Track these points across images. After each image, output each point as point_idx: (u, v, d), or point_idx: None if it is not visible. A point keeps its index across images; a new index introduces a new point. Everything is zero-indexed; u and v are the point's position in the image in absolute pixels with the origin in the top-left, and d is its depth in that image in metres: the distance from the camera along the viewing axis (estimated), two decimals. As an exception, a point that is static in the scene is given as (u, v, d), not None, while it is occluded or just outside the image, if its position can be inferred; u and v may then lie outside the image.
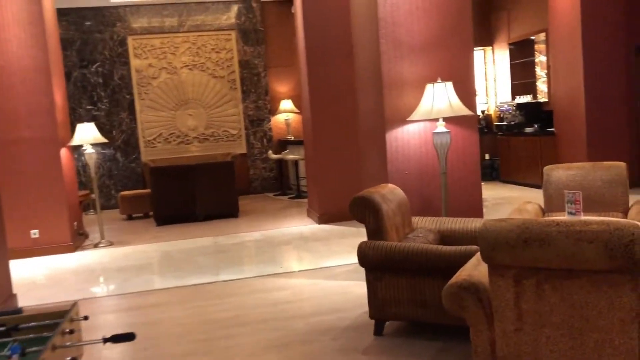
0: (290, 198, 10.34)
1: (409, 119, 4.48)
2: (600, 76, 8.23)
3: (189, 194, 8.53)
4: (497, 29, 11.02)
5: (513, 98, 10.42)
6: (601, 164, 4.23)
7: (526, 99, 10.00)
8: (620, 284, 2.15)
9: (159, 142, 11.03)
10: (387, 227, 3.57)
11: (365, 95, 5.08)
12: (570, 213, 3.26)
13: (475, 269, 2.65)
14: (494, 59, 11.23)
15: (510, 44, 10.53)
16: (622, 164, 4.17)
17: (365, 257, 3.45)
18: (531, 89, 10.02)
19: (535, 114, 9.65)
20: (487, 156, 10.83)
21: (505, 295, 2.37)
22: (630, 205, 4.15)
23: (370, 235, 3.58)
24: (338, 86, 6.85)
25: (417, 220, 4.05)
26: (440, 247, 3.30)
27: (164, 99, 10.99)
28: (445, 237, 3.90)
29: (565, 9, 8.54)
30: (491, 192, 9.31)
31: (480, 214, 4.84)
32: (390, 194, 3.79)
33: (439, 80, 4.33)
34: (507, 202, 8.35)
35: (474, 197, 4.79)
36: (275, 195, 10.93)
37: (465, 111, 4.31)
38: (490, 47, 11.26)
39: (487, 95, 11.40)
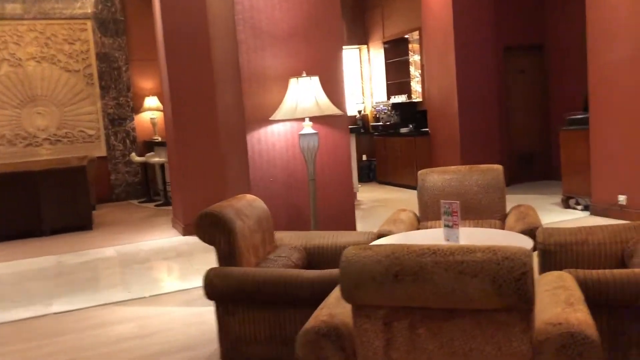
0: (157, 205, 9.43)
1: (271, 118, 3.92)
2: (472, 76, 8.23)
3: (33, 205, 7.38)
4: (371, 27, 10.84)
5: (389, 98, 10.29)
6: (477, 168, 3.95)
7: (401, 98, 9.89)
8: (509, 326, 1.72)
9: (1, 145, 9.60)
10: (242, 248, 2.97)
11: (224, 91, 4.45)
12: (447, 226, 2.86)
13: (339, 305, 2.12)
14: (369, 58, 11.05)
15: (385, 43, 10.38)
16: (499, 167, 3.91)
17: (212, 287, 2.82)
18: (406, 89, 9.93)
19: (411, 114, 9.55)
20: (364, 157, 10.62)
21: (374, 342, 1.86)
22: (507, 211, 3.91)
23: (221, 259, 2.96)
24: (200, 81, 6.12)
25: (281, 237, 3.49)
26: (301, 271, 2.75)
27: (6, 95, 9.57)
28: (313, 256, 3.37)
29: (438, 8, 8.46)
30: (368, 194, 9.06)
31: (353, 225, 4.39)
32: (247, 208, 3.19)
33: (304, 75, 3.81)
34: (382, 205, 8.10)
35: (346, 205, 4.33)
36: (140, 202, 9.94)
37: (334, 110, 3.83)
38: (366, 46, 11.08)
39: (363, 94, 11.21)
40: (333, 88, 4.13)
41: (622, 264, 2.93)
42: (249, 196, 3.34)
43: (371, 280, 1.77)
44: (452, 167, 4.01)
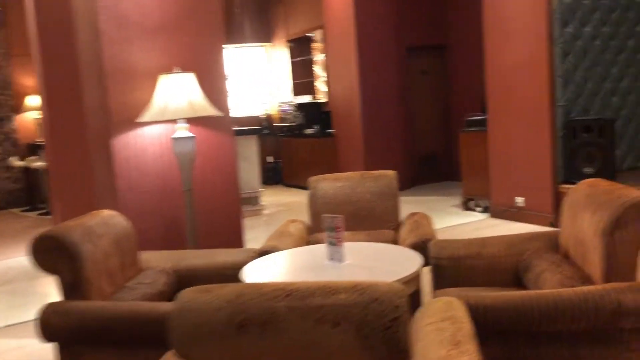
0: (40, 214, 8.57)
1: (138, 119, 3.44)
2: (374, 77, 8.07)
3: None
4: (276, 25, 10.48)
5: (295, 98, 9.96)
6: (370, 174, 3.68)
7: (306, 99, 9.59)
8: (381, 382, 1.40)
9: None
10: (92, 277, 2.49)
11: (89, 88, 3.90)
12: (330, 243, 2.54)
13: None
14: (274, 57, 10.67)
15: (289, 41, 10.04)
16: (392, 173, 3.65)
17: (50, 327, 2.33)
18: (312, 89, 9.65)
19: (316, 114, 9.27)
20: (270, 158, 10.24)
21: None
22: (402, 219, 3.66)
23: (65, 291, 2.47)
24: (72, 78, 5.45)
25: (148, 258, 3.02)
26: (155, 305, 2.32)
27: None
28: (184, 279, 2.94)
29: (339, 7, 8.23)
30: (272, 198, 8.69)
31: (239, 240, 3.99)
32: (102, 226, 2.71)
33: (177, 71, 3.37)
34: (287, 209, 7.76)
35: (232, 218, 3.92)
36: (22, 211, 9.01)
37: (211, 111, 3.40)
38: (271, 44, 10.70)
39: (269, 94, 10.82)
40: (213, 86, 3.71)
41: (518, 278, 2.74)
42: (106, 212, 2.86)
43: (210, 333, 1.39)
44: (344, 173, 3.72)
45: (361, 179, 3.63)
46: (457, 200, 7.03)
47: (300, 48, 9.91)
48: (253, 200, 8.20)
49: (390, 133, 8.25)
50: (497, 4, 5.81)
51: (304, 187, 9.25)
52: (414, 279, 2.41)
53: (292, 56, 10.04)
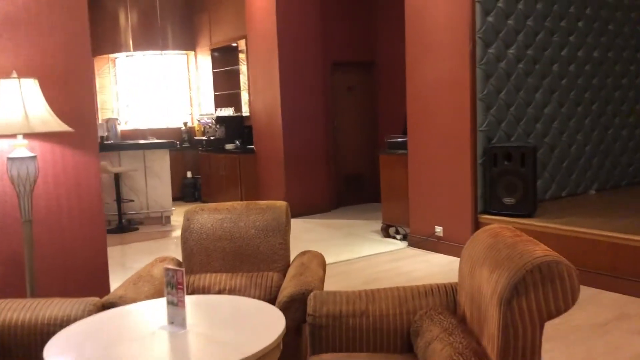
0: None
1: (-39, 135, 2.80)
2: (297, 91, 7.60)
3: None
4: (199, 32, 9.88)
5: (216, 110, 9.37)
6: (257, 205, 3.15)
7: (228, 111, 9.02)
8: None
9: None
10: None
11: None
12: (171, 303, 1.99)
13: None
14: (197, 65, 10.06)
15: (212, 50, 9.46)
16: (282, 205, 3.15)
17: None
18: (235, 101, 9.08)
19: (238, 128, 8.73)
20: (189, 174, 9.59)
21: None
22: (291, 260, 3.16)
23: None
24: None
25: (-45, 309, 2.38)
26: None
27: None
28: (2, 338, 2.32)
29: (262, 17, 7.74)
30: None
31: (104, 285, 3.36)
32: None
33: (14, 76, 2.75)
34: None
35: (94, 257, 3.29)
36: None
37: (56, 126, 2.79)
38: (193, 52, 10.08)
39: (191, 105, 10.19)
40: (74, 96, 3.10)
41: (409, 342, 2.28)
42: None
43: None
44: (227, 203, 3.18)
45: (246, 210, 3.10)
46: (379, 225, 6.62)
47: (225, 58, 9.35)
48: (163, 219, 7.55)
49: (314, 151, 7.80)
50: (419, 16, 5.46)
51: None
52: (273, 350, 1.89)
53: (215, 66, 9.46)
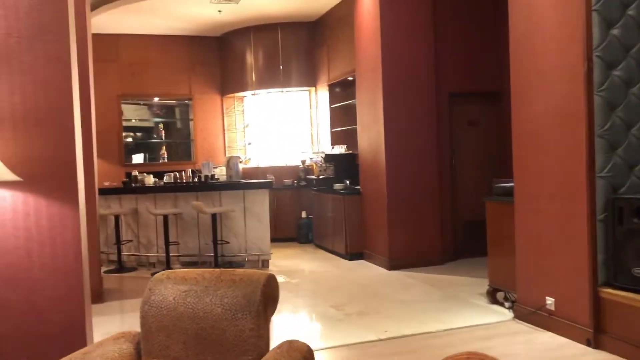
0: None
1: None
2: (405, 126, 6.82)
3: None
4: (319, 68, 9.57)
5: (333, 147, 8.90)
6: (231, 274, 2.49)
7: (340, 149, 8.49)
8: None
9: None
10: None
11: None
12: None
13: None
14: (316, 102, 9.74)
15: (330, 85, 9.06)
16: (261, 277, 2.45)
17: None
18: (351, 138, 8.53)
19: (349, 167, 8.13)
20: (304, 214, 9.19)
21: None
22: (271, 348, 2.43)
23: None
24: None
25: None
26: None
27: None
28: None
29: (367, 44, 7.14)
30: (289, 262, 7.58)
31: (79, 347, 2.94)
32: None
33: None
34: (301, 280, 6.60)
35: (71, 324, 2.87)
36: None
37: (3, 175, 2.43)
38: (314, 88, 9.79)
39: (312, 143, 9.86)
40: (50, 140, 2.77)
41: None
42: None
43: None
44: (197, 271, 2.56)
45: (216, 281, 2.47)
46: (487, 286, 5.51)
47: (342, 92, 8.90)
48: (260, 263, 7.18)
49: (424, 193, 6.90)
50: (526, 35, 4.43)
51: (330, 251, 8.15)
52: None
53: (332, 101, 9.03)
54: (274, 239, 9.15)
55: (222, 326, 2.37)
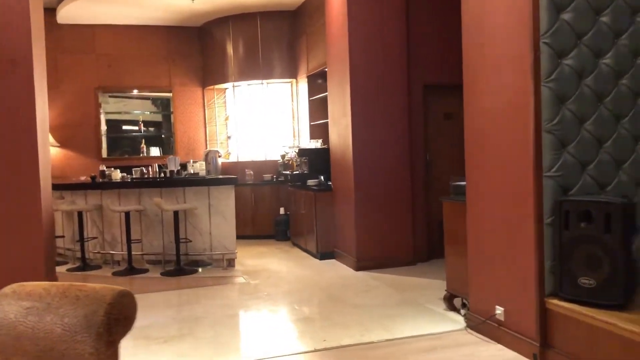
0: None
1: None
2: (374, 119, 6.49)
3: None
4: (299, 58, 9.24)
5: (311, 141, 8.57)
6: (77, 290, 2.19)
7: (316, 143, 8.17)
8: None
9: None
10: None
11: None
12: None
13: None
14: (297, 94, 9.42)
15: (309, 76, 8.73)
16: (107, 294, 2.13)
17: None
18: (327, 132, 8.20)
19: (323, 162, 7.80)
20: (282, 210, 8.90)
21: None
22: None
23: None
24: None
25: None
26: None
27: None
28: None
29: (336, 32, 6.81)
30: (260, 261, 7.29)
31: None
32: None
33: None
34: (268, 280, 6.32)
35: None
36: None
37: None
38: (295, 80, 9.47)
39: (294, 137, 9.56)
40: None
41: None
42: None
43: None
44: (44, 284, 2.27)
45: (60, 298, 2.17)
46: (447, 291, 5.18)
47: (322, 84, 8.57)
48: (224, 263, 6.91)
49: (395, 191, 6.57)
50: (477, 22, 4.07)
51: (304, 249, 7.82)
52: None
53: (311, 94, 8.71)
54: (252, 237, 8.92)
55: (62, 349, 2.09)
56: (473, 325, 4.23)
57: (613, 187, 3.62)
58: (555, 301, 3.46)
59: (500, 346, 3.89)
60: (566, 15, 3.49)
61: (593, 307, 3.24)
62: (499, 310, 3.93)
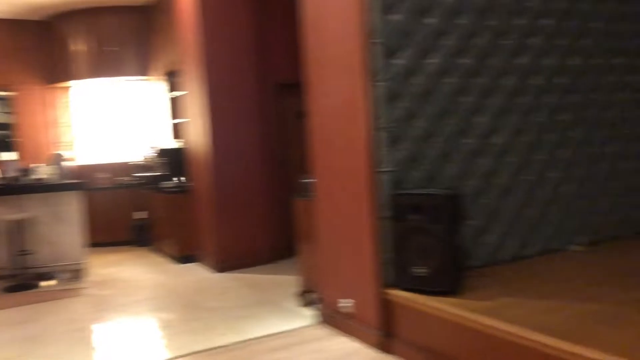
0: None
1: None
2: (229, 119, 6.39)
3: None
4: (155, 55, 8.87)
5: (173, 141, 8.27)
6: None
7: (177, 143, 7.91)
8: None
9: None
10: None
11: None
12: None
13: None
14: (153, 92, 9.04)
15: (167, 74, 8.40)
16: None
17: None
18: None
19: (183, 163, 7.56)
20: (139, 215, 8.48)
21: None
22: None
23: None
24: None
25: None
26: None
27: None
28: None
29: (189, 30, 6.62)
30: (114, 270, 6.88)
31: None
32: None
33: None
34: (118, 292, 5.95)
35: None
36: None
37: None
38: (151, 77, 9.08)
39: (153, 136, 9.15)
40: None
41: None
42: None
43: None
44: None
45: None
46: (303, 288, 5.23)
47: (179, 81, 8.28)
48: (73, 274, 6.45)
49: (252, 190, 6.53)
50: (317, 20, 4.13)
51: (167, 255, 7.49)
52: None
53: (172, 91, 8.40)
54: (108, 244, 8.42)
55: None
56: (325, 319, 4.30)
57: (442, 180, 3.84)
58: (395, 291, 3.60)
59: (347, 339, 3.98)
60: (394, 17, 3.64)
61: (427, 294, 3.41)
62: (348, 303, 4.02)
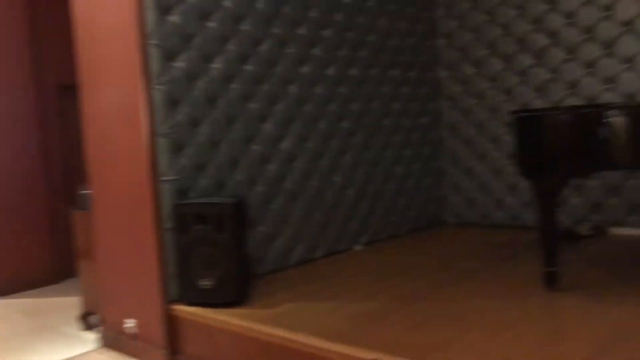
0: None
1: None
2: (2, 126, 5.63)
3: None
4: None
5: None
6: None
7: None
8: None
9: None
10: None
11: None
12: None
13: None
14: None
15: None
16: None
17: None
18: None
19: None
20: None
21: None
22: None
23: None
24: None
25: None
26: None
27: None
28: None
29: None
30: None
31: None
32: None
33: None
34: None
35: None
36: None
37: None
38: None
39: None
40: None
41: None
42: None
43: None
44: None
45: None
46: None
47: None
48: None
49: (32, 203, 5.82)
50: (90, 15, 3.78)
51: None
52: None
53: None
54: None
55: None
56: (108, 342, 3.95)
57: (230, 187, 3.77)
58: (180, 307, 3.43)
59: (133, 361, 3.70)
60: (173, 18, 3.47)
61: (213, 307, 3.29)
62: (132, 323, 3.74)
